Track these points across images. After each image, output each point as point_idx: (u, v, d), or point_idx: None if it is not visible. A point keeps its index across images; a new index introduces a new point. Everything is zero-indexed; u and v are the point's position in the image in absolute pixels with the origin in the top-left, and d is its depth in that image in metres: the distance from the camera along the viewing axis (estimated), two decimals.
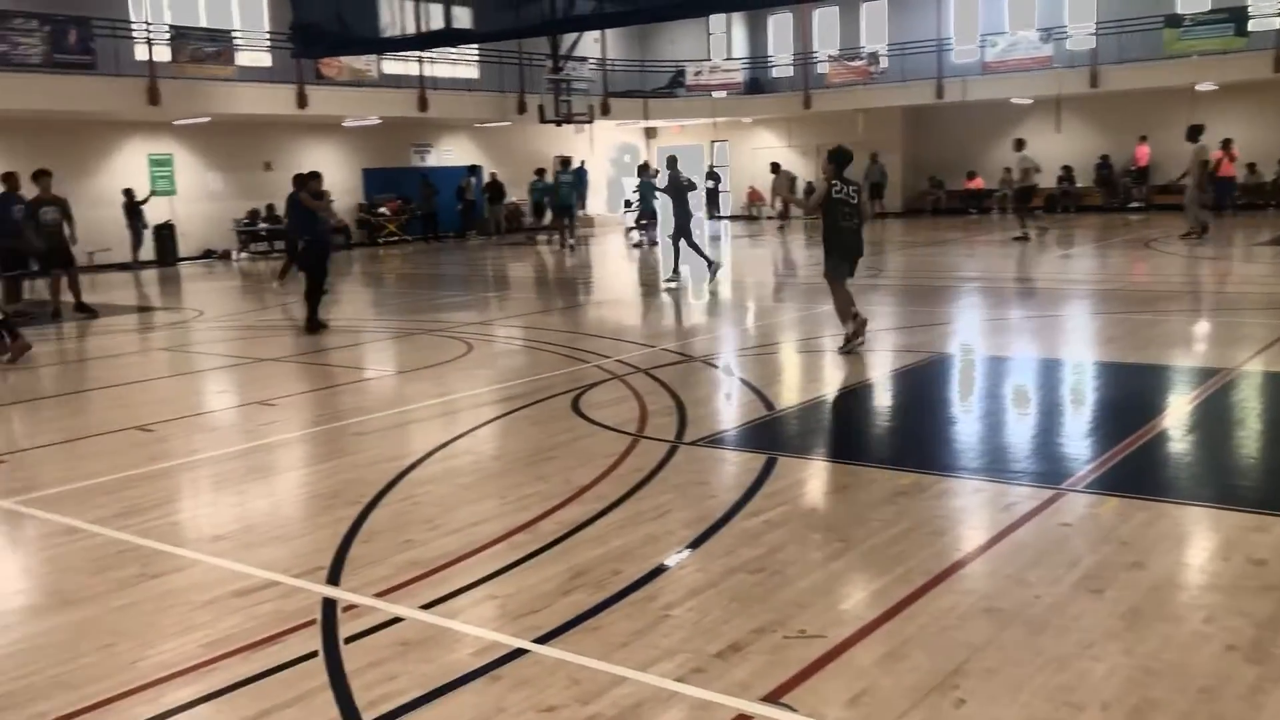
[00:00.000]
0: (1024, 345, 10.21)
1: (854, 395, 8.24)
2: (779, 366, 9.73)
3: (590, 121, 30.04)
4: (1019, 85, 28.28)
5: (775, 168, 21.55)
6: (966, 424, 7.14)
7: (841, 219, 9.59)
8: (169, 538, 5.18)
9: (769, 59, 34.43)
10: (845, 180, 9.60)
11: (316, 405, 8.56)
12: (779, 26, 34.30)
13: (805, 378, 9.19)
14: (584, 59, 29.90)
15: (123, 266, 22.94)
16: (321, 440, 7.29)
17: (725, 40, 35.06)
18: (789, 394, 8.35)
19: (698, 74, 33.35)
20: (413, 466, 6.31)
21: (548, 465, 6.25)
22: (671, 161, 17.34)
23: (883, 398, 8.31)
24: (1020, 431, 6.91)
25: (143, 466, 6.65)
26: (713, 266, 16.04)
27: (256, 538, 5.19)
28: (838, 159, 9.60)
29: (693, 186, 17.22)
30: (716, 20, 34.45)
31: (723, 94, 33.02)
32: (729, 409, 7.86)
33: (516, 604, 4.17)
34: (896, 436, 7.02)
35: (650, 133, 36.60)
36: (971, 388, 8.46)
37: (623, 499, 5.47)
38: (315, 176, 13.11)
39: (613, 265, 22.50)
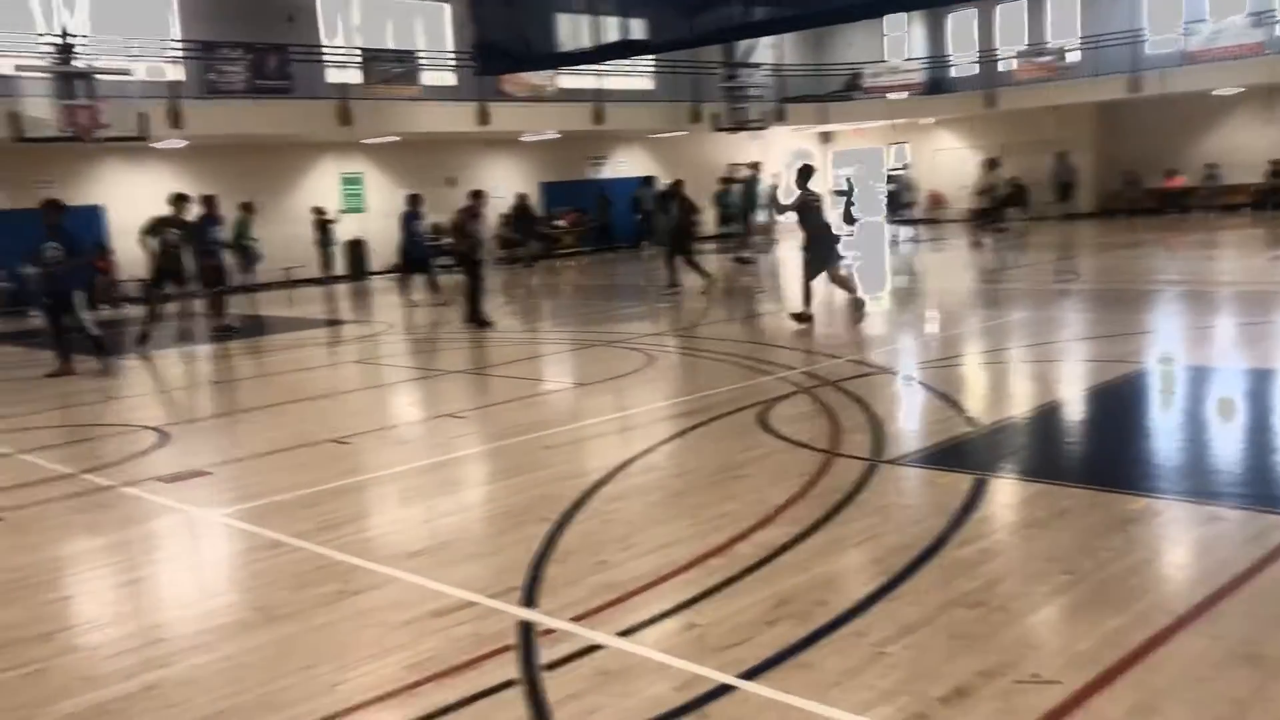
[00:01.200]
0: (1249, 355, 9.39)
1: (1061, 410, 7.70)
2: (975, 379, 9.23)
3: (765, 128, 29.73)
4: (1225, 75, 26.44)
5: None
6: (1195, 442, 6.54)
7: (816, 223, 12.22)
8: (366, 553, 5.21)
9: (949, 58, 33.33)
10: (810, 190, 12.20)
11: (502, 418, 8.59)
12: (960, 24, 33.16)
13: (1005, 391, 8.68)
14: (758, 65, 29.62)
15: (314, 281, 23.94)
16: (509, 454, 7.27)
17: (904, 40, 34.14)
18: (990, 409, 7.88)
19: (875, 75, 32.58)
20: (601, 483, 6.20)
21: (738, 484, 6.03)
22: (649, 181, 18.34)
23: (1094, 412, 7.73)
24: (1259, 451, 6.28)
25: (340, 480, 6.77)
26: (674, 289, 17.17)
27: (451, 555, 5.16)
28: (804, 173, 12.37)
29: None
30: (894, 20, 33.59)
31: (901, 95, 32.15)
32: (927, 425, 7.46)
33: (718, 635, 3.97)
34: (1116, 456, 6.46)
35: (826, 137, 35.99)
36: (1195, 402, 7.79)
37: (822, 522, 5.20)
38: (478, 195, 14.31)
39: (789, 273, 22.13)
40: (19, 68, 18.30)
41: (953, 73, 33.28)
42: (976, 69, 31.90)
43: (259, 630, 4.34)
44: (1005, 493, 5.66)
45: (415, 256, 18.87)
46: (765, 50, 30.05)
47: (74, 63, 18.47)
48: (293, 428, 8.65)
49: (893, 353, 10.59)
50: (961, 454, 6.51)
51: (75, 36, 18.47)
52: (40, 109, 18.10)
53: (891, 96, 32.17)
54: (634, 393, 9.29)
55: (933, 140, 33.95)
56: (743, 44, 27.83)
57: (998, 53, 31.09)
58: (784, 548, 4.86)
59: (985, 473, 5.92)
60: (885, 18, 32.80)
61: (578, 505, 5.75)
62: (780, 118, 30.61)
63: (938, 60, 33.38)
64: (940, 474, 6.06)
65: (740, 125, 28.83)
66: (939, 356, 10.15)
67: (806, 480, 5.91)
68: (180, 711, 3.65)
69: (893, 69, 32.72)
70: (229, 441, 8.45)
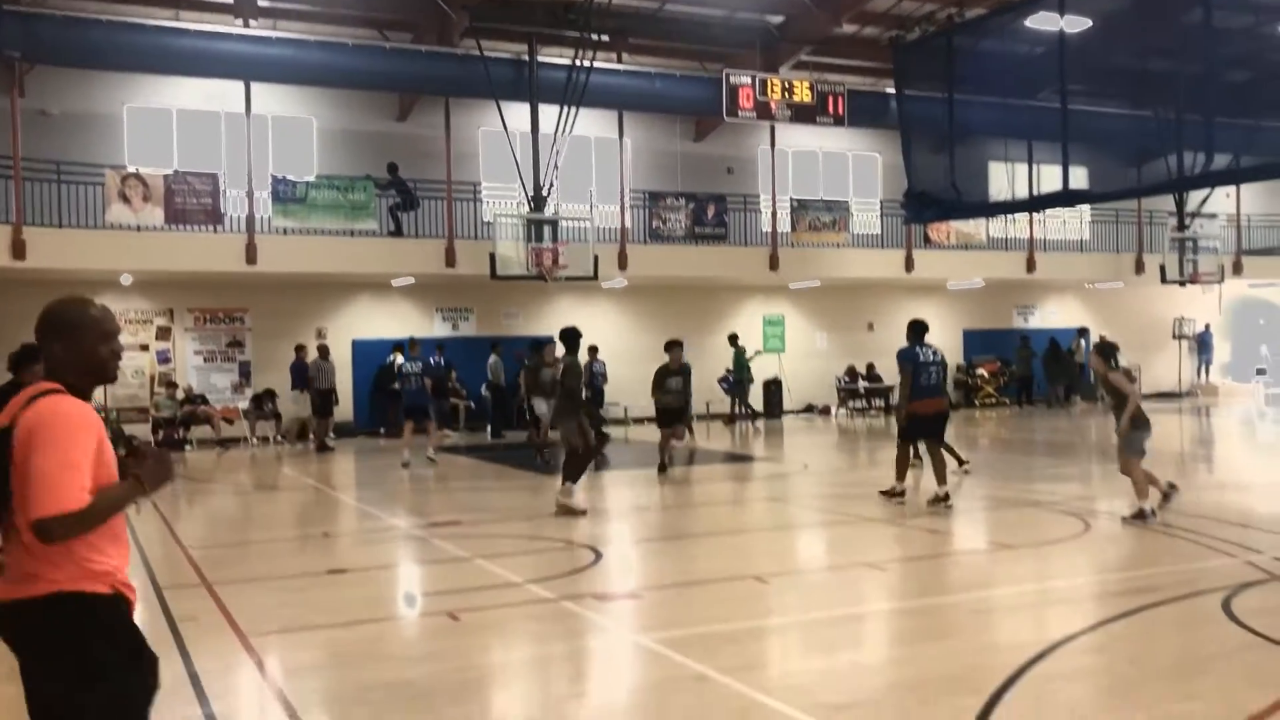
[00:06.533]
0: None
1: None
2: None
3: (1220, 281, 27.30)
4: None
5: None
6: None
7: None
8: (793, 699, 5.14)
9: None
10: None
11: (922, 575, 8.30)
12: None
13: None
14: (1214, 215, 27.44)
15: (729, 419, 24.70)
16: (932, 615, 6.98)
17: None
18: None
19: None
20: (1037, 659, 5.75)
21: (1201, 680, 5.37)
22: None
23: None
24: None
25: (761, 619, 6.82)
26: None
27: (881, 714, 4.99)
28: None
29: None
30: None
31: None
32: None
33: None
34: None
35: None
36: None
37: None
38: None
39: (1245, 439, 19.89)
40: (497, 214, 20.88)
41: None
42: None
43: None
44: None
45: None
46: (1222, 199, 27.81)
47: (544, 210, 20.78)
48: (713, 560, 8.88)
49: None
50: None
51: (547, 187, 20.82)
52: (509, 250, 20.46)
53: None
54: (1069, 562, 8.64)
55: None
56: (1197, 192, 25.93)
57: None
58: None
59: None
60: None
61: (1011, 681, 5.37)
62: (1237, 270, 28.04)
63: None
64: None
65: (1191, 278, 26.68)
66: None
67: None
68: None
69: None
70: (655, 568, 8.83)
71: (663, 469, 14.51)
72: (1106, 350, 10.37)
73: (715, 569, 8.46)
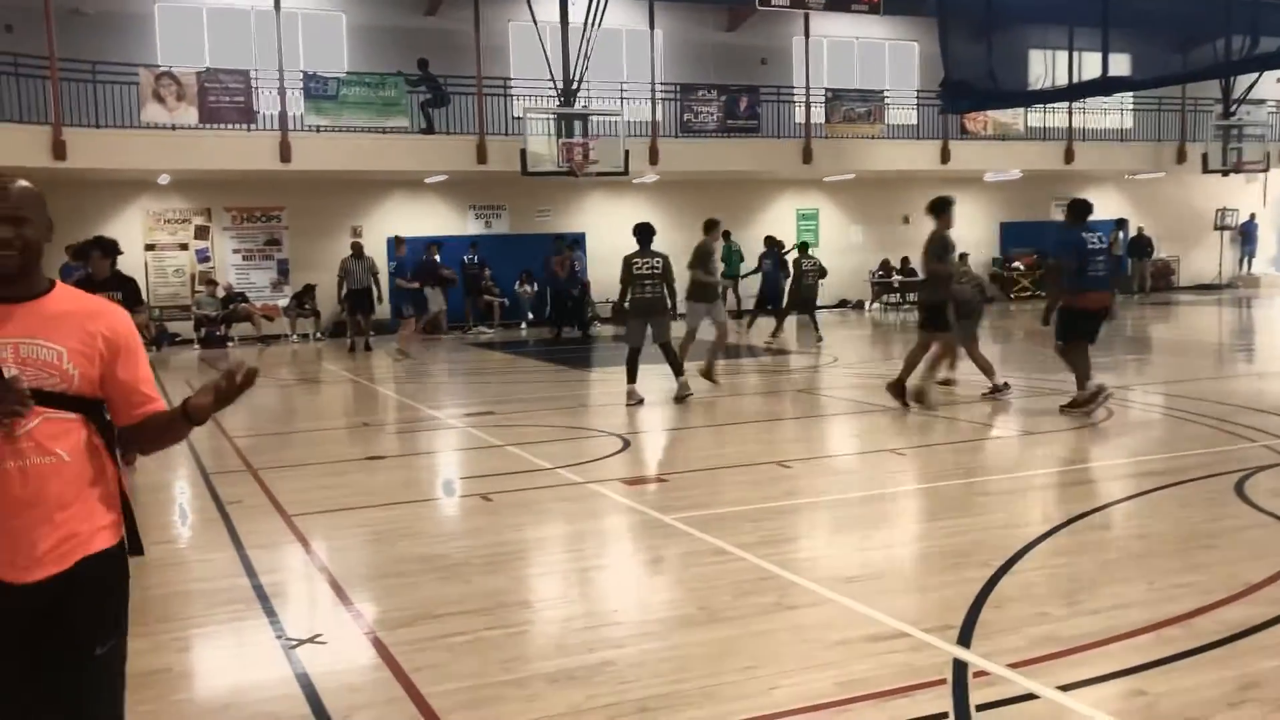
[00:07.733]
0: None
1: None
2: None
3: (1266, 170, 26.75)
4: None
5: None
6: None
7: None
8: (804, 572, 5.40)
9: None
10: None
11: (942, 459, 8.49)
12: None
13: None
14: (1261, 101, 26.74)
15: (765, 311, 24.75)
16: (948, 495, 7.18)
17: None
18: None
19: None
20: (1046, 535, 5.95)
21: (1205, 554, 5.54)
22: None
23: None
24: None
25: (781, 500, 7.05)
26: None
27: (886, 585, 5.22)
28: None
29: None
30: None
31: None
32: None
33: (1171, 706, 3.71)
34: None
35: None
36: None
37: None
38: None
39: None
40: (527, 110, 20.80)
41: None
42: None
43: (703, 627, 4.66)
44: None
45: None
46: (1271, 84, 27.06)
47: (574, 105, 20.66)
48: (738, 448, 9.11)
49: None
50: None
51: (577, 81, 20.65)
52: (540, 146, 20.42)
53: None
54: (1089, 446, 8.79)
55: None
56: (1244, 78, 25.24)
57: None
58: (1255, 629, 4.41)
59: None
60: None
61: (1020, 555, 5.57)
62: None
63: None
64: None
65: (1234, 167, 26.15)
66: None
67: None
68: (631, 688, 4.02)
69: None
70: (681, 455, 9.09)
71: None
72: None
73: (739, 455, 8.69)
